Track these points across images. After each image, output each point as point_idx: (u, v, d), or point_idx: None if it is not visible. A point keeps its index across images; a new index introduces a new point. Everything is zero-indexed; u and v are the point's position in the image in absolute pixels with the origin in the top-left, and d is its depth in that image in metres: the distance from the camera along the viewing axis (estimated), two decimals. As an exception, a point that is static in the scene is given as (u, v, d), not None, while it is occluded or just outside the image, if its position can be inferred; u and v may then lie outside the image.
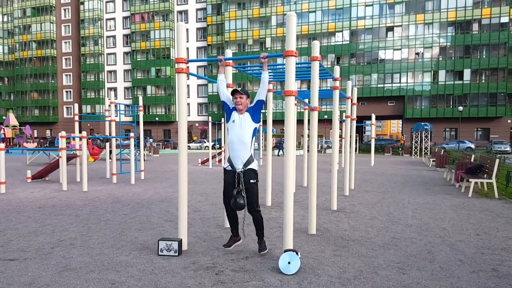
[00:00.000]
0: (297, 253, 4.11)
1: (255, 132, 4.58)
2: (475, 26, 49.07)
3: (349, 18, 53.86)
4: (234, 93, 4.57)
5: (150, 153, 31.24)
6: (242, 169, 4.47)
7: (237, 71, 53.77)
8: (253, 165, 4.52)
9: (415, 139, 31.28)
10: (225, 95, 4.72)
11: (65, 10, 71.04)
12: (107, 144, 14.36)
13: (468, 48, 49.32)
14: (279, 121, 50.20)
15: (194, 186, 11.32)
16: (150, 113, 66.25)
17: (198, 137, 62.91)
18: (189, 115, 63.53)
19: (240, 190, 4.43)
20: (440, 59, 50.57)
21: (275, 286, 3.71)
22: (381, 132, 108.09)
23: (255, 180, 4.49)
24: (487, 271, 4.15)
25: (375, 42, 52.94)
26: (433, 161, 19.81)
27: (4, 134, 34.02)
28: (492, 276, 4.02)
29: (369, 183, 12.30)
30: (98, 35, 68.77)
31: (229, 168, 4.57)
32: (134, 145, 13.18)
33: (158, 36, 65.19)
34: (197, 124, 63.78)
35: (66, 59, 71.54)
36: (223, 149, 13.79)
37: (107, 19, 69.52)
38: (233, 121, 4.54)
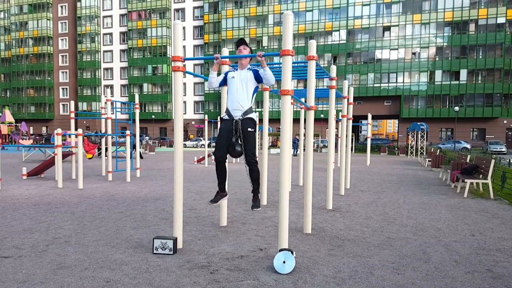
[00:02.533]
0: (292, 253, 4.11)
1: (256, 90, 4.59)
2: (472, 27, 49.23)
3: (346, 17, 53.90)
4: (240, 44, 4.57)
5: (146, 151, 31.17)
6: (241, 117, 4.44)
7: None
8: (252, 115, 4.51)
9: (411, 139, 31.37)
10: (218, 81, 4.73)
11: (62, 7, 70.71)
12: (103, 142, 14.31)
13: (464, 49, 49.49)
14: (275, 119, 50.18)
15: (190, 184, 11.30)
16: (146, 111, 66.11)
17: (195, 135, 62.82)
18: (185, 113, 63.42)
19: (238, 138, 4.40)
20: (437, 59, 50.72)
21: (270, 285, 3.70)
22: (377, 131, 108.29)
23: (253, 129, 4.47)
24: (482, 272, 4.17)
25: (371, 42, 53.01)
26: (428, 161, 19.88)
27: (0, 130, 33.86)
28: (487, 276, 4.04)
29: (364, 183, 12.32)
30: (95, 33, 68.50)
31: (226, 117, 4.55)
32: (130, 143, 13.14)
33: (155, 34, 65.03)
34: (193, 122, 63.72)
35: (62, 56, 71.26)
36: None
37: (103, 17, 69.26)
38: (233, 77, 4.53)
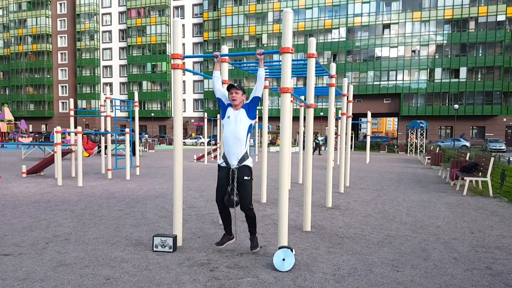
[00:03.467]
0: (291, 250, 4.12)
1: (251, 128, 4.56)
2: (472, 24, 49.17)
3: (346, 15, 53.82)
4: (229, 88, 4.54)
5: (145, 149, 31.17)
6: (237, 166, 4.44)
7: (233, 67, 53.78)
8: (248, 162, 4.49)
9: (413, 137, 31.37)
10: (220, 91, 4.69)
11: (61, 4, 70.52)
12: (102, 140, 14.31)
13: (464, 46, 49.44)
14: (275, 117, 50.15)
15: (190, 182, 11.31)
16: (146, 109, 66.04)
17: (197, 133, 62.79)
18: (184, 111, 63.37)
19: (234, 187, 4.42)
20: (436, 57, 50.67)
21: (270, 282, 3.71)
22: (377, 129, 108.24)
23: (249, 177, 4.47)
24: (481, 269, 4.18)
25: (371, 40, 52.95)
26: (428, 159, 19.89)
27: (-1, 128, 33.84)
28: (486, 274, 4.05)
29: (364, 181, 12.34)
30: (94, 30, 68.36)
31: (224, 164, 4.55)
32: (130, 141, 13.14)
33: (154, 32, 64.91)
34: (192, 120, 63.70)
35: (61, 53, 71.12)
36: (218, 145, 13.79)
37: (103, 14, 69.11)
38: (228, 117, 4.52)
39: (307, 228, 5.77)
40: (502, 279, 3.92)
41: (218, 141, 14.65)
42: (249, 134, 4.56)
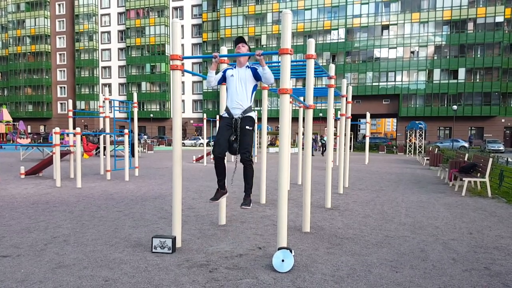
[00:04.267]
0: (291, 251, 4.12)
1: (256, 88, 4.61)
2: (470, 25, 49.26)
3: (345, 16, 53.89)
4: (238, 42, 4.58)
5: (144, 150, 31.14)
6: (240, 116, 4.45)
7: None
8: (252, 114, 4.52)
9: (413, 138, 31.39)
10: (216, 79, 4.72)
11: (59, 5, 70.47)
12: (101, 141, 14.29)
13: (463, 47, 49.52)
14: (274, 118, 50.18)
15: (189, 183, 11.30)
16: (145, 110, 66.00)
17: (193, 134, 62.73)
18: (184, 112, 63.36)
19: (237, 136, 4.42)
20: (435, 58, 50.75)
21: (269, 283, 3.71)
22: (376, 130, 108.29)
23: (251, 128, 4.48)
24: (479, 270, 4.18)
25: (370, 41, 53.01)
26: (427, 159, 19.91)
27: (-3, 129, 33.78)
28: (485, 274, 4.05)
29: (363, 181, 12.34)
30: (93, 31, 68.33)
31: (226, 115, 4.57)
32: (129, 142, 13.14)
33: (153, 32, 64.90)
34: (192, 121, 63.67)
35: (60, 54, 71.05)
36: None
37: (102, 15, 69.07)
38: (232, 75, 4.54)
39: (306, 229, 5.77)
40: (500, 279, 3.92)
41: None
42: (254, 92, 4.59)
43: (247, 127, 4.45)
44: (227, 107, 4.58)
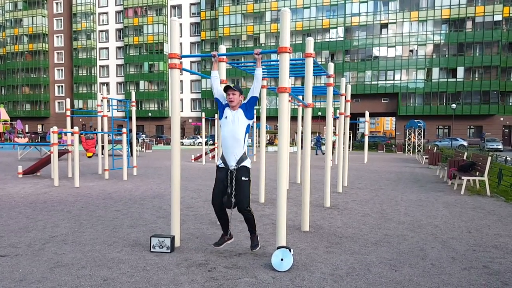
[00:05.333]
0: (290, 250, 4.11)
1: (248, 128, 4.54)
2: (469, 24, 49.30)
3: (344, 14, 53.87)
4: (227, 89, 4.51)
5: (142, 149, 31.10)
6: (235, 167, 4.43)
7: (230, 67, 53.71)
8: (246, 163, 4.47)
9: (409, 136, 31.42)
10: (219, 91, 4.67)
11: (57, 4, 70.30)
12: (99, 140, 14.26)
13: (461, 46, 49.56)
14: (272, 117, 50.18)
15: (187, 182, 11.29)
16: (143, 109, 65.90)
17: (191, 133, 62.72)
18: (182, 111, 63.31)
19: (233, 188, 4.40)
20: (434, 56, 50.79)
21: (268, 282, 3.70)
22: (375, 129, 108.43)
23: (247, 178, 4.44)
24: (478, 268, 4.18)
25: (369, 39, 53.01)
26: (426, 158, 19.93)
27: (-5, 128, 33.65)
28: (483, 273, 4.05)
29: (362, 180, 12.35)
30: (91, 29, 68.17)
31: (222, 165, 4.53)
32: (127, 141, 13.10)
33: (151, 31, 64.78)
34: (190, 120, 63.60)
35: (58, 53, 70.89)
36: (216, 145, 13.74)
37: (99, 13, 68.92)
38: (226, 117, 4.50)
39: (305, 228, 5.76)
40: (499, 278, 3.92)
41: (216, 140, 14.63)
42: (247, 134, 4.55)
43: (243, 178, 4.41)
44: (223, 155, 4.54)
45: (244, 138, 4.47)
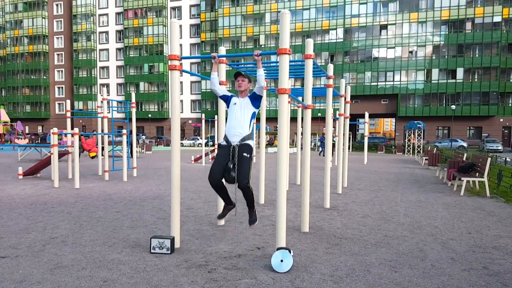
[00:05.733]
0: (289, 251, 4.11)
1: (254, 115, 4.70)
2: (468, 25, 49.35)
3: (343, 16, 53.92)
4: (237, 76, 4.66)
5: (142, 150, 31.10)
6: (238, 143, 4.49)
7: (230, 68, 53.66)
8: (250, 142, 4.57)
9: (409, 138, 31.42)
10: (221, 90, 4.84)
11: (57, 5, 70.36)
12: (99, 141, 14.26)
13: (461, 47, 49.60)
14: (272, 118, 50.18)
15: (187, 183, 11.29)
16: (143, 110, 65.92)
17: (191, 134, 62.71)
18: (182, 112, 63.33)
19: (235, 163, 4.44)
20: (433, 57, 50.82)
21: (268, 284, 3.70)
22: (374, 130, 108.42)
23: (248, 155, 4.52)
24: (478, 269, 4.19)
25: (369, 40, 53.06)
26: (425, 159, 19.93)
27: (-5, 130, 33.67)
28: (483, 274, 4.05)
29: (362, 181, 12.35)
30: (91, 31, 68.23)
31: (224, 143, 4.63)
32: (127, 142, 13.11)
33: (151, 32, 64.83)
34: (190, 121, 63.61)
35: (58, 54, 70.93)
36: (216, 146, 13.72)
37: (99, 15, 68.98)
38: (235, 103, 4.67)
39: (305, 229, 5.76)
40: (499, 279, 3.92)
41: (215, 142, 14.62)
42: (253, 120, 4.69)
43: (244, 154, 4.48)
44: (226, 135, 4.64)
45: (250, 122, 4.60)
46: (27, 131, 61.30)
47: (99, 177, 12.78)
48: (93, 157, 15.37)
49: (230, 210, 4.88)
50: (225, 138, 4.63)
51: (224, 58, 5.65)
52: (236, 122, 4.56)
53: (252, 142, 4.61)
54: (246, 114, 4.59)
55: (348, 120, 11.02)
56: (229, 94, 4.80)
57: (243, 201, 4.92)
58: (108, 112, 13.81)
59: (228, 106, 4.76)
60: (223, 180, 4.68)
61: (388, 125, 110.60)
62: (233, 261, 4.34)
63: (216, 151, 4.74)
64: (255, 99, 4.65)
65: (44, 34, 69.77)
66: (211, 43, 61.92)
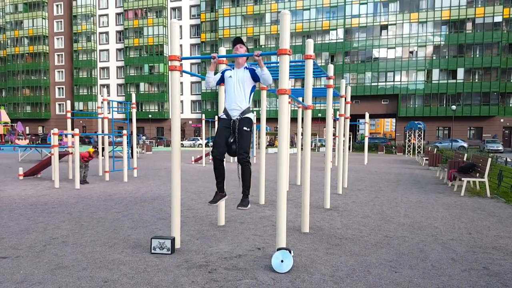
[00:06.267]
0: (290, 252, 4.12)
1: (254, 89, 4.66)
2: (469, 25, 49.34)
3: (343, 16, 53.92)
4: (236, 42, 4.65)
5: (143, 151, 31.10)
6: (238, 117, 4.49)
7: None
8: (250, 115, 4.56)
9: (409, 138, 31.41)
10: (215, 80, 4.76)
11: (57, 6, 70.37)
12: (99, 142, 14.26)
13: (461, 47, 49.58)
14: (272, 119, 50.19)
15: (187, 184, 11.30)
16: (143, 110, 65.92)
17: (192, 135, 62.72)
18: (182, 113, 63.32)
19: (236, 137, 4.46)
20: (434, 58, 50.80)
21: (268, 284, 3.71)
22: (375, 130, 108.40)
23: (249, 129, 4.52)
24: (478, 270, 4.19)
25: (369, 41, 53.04)
26: (426, 159, 19.92)
27: (-4, 130, 33.68)
28: (483, 274, 4.06)
29: (362, 182, 12.35)
30: (91, 31, 68.25)
31: (224, 116, 4.61)
32: (127, 143, 13.12)
33: (151, 33, 64.84)
34: (190, 122, 63.62)
35: (58, 55, 70.95)
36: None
37: (100, 15, 69.01)
38: (230, 76, 4.59)
39: (305, 229, 5.76)
40: (499, 279, 3.93)
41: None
42: (252, 93, 4.64)
43: (244, 128, 4.48)
44: (225, 108, 4.61)
45: (250, 94, 4.57)
46: (27, 132, 61.34)
47: (100, 177, 12.79)
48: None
49: (222, 198, 4.83)
50: (225, 111, 4.61)
51: (224, 59, 5.65)
52: (235, 95, 4.50)
53: (252, 115, 4.59)
54: (246, 88, 4.53)
55: (348, 120, 11.02)
56: (220, 73, 4.74)
57: (239, 198, 4.91)
58: (108, 113, 13.81)
59: (224, 82, 4.74)
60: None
61: (388, 125, 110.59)
62: (234, 262, 4.35)
63: (216, 124, 4.74)
64: (255, 76, 4.58)
65: (44, 35, 69.79)
66: (211, 43, 61.93)
